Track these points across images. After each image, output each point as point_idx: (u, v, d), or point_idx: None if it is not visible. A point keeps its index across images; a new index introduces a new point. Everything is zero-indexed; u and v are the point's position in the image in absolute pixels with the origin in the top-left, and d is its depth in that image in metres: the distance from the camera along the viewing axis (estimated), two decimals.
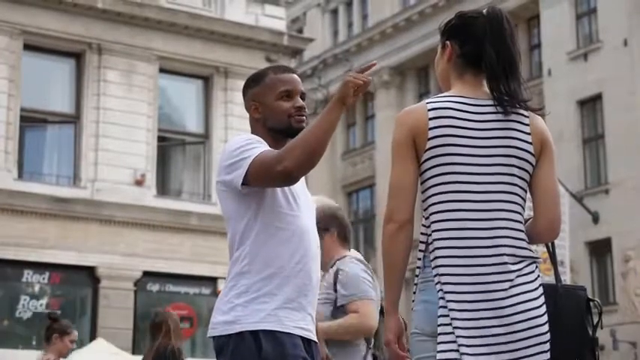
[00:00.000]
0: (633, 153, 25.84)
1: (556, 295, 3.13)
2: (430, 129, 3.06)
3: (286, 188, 3.49)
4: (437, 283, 3.04)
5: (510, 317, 2.98)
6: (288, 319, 3.39)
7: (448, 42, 3.23)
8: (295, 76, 3.67)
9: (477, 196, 3.05)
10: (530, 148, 3.11)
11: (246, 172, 3.35)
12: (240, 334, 3.36)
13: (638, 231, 25.54)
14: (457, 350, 2.96)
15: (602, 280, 27.02)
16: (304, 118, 3.59)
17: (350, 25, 38.22)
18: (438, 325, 3.02)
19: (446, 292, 3.00)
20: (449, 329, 2.98)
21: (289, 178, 3.33)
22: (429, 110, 3.08)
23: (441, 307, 3.02)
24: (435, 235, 3.07)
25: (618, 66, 26.68)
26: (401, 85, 34.86)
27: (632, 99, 26.30)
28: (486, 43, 3.12)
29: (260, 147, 3.41)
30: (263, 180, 3.36)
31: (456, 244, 3.03)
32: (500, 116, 3.10)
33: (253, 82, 3.67)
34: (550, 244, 3.31)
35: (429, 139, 3.06)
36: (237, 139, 3.48)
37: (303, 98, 3.63)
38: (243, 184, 3.38)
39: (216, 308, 3.47)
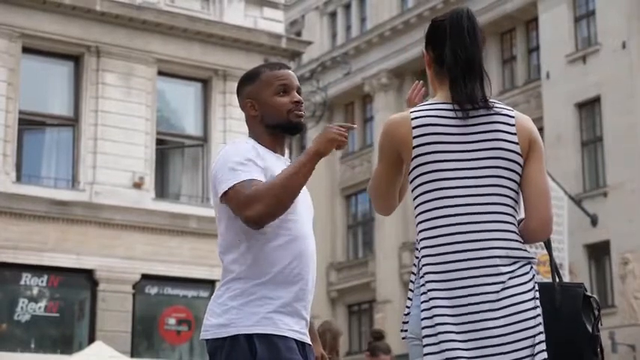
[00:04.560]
0: (632, 156, 25.85)
1: (553, 293, 3.13)
2: (414, 137, 3.08)
3: None
4: (423, 293, 3.03)
5: (501, 320, 2.97)
6: (283, 323, 3.36)
7: (424, 49, 3.26)
8: (290, 71, 3.65)
9: (462, 200, 3.04)
10: (517, 148, 3.10)
11: (222, 195, 3.39)
12: (235, 337, 3.33)
13: (637, 234, 25.54)
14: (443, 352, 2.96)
15: (601, 283, 27.02)
16: (302, 112, 3.58)
17: (348, 27, 38.24)
18: (423, 328, 3.01)
19: (432, 299, 2.99)
20: (433, 339, 2.98)
21: (254, 224, 3.34)
22: (413, 119, 3.10)
23: (424, 310, 3.01)
24: (423, 244, 3.07)
25: (617, 69, 26.69)
26: (399, 88, 34.85)
27: (631, 102, 26.31)
28: (446, 45, 3.13)
29: (245, 172, 3.39)
30: (234, 212, 3.39)
31: (443, 250, 3.03)
32: (483, 119, 3.10)
33: (248, 80, 3.64)
34: (546, 243, 3.30)
35: (414, 147, 3.08)
36: (233, 152, 3.46)
37: (299, 93, 3.61)
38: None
39: (209, 310, 3.44)
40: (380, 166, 3.22)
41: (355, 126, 3.52)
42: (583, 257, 26.88)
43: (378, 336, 8.55)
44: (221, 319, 3.37)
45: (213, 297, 3.48)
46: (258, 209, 3.29)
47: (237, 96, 3.68)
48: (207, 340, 3.42)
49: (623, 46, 26.80)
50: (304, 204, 3.56)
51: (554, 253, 3.38)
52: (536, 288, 3.06)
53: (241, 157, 3.42)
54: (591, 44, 28.06)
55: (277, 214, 3.33)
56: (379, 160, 3.22)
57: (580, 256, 26.61)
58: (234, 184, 3.35)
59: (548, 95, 28.70)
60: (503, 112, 3.14)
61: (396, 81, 34.65)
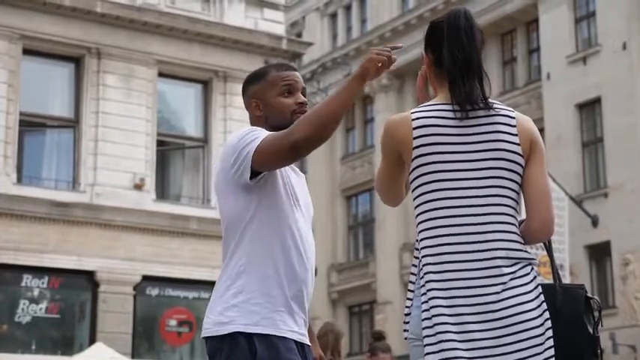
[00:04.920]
0: (632, 156, 25.85)
1: (554, 294, 3.13)
2: (415, 138, 3.09)
3: (289, 189, 3.47)
4: (423, 294, 3.04)
5: (502, 320, 2.97)
6: (283, 323, 3.37)
7: (424, 52, 3.26)
8: (296, 72, 3.65)
9: (463, 202, 3.05)
10: (518, 149, 3.10)
11: (253, 155, 3.30)
12: (235, 338, 3.33)
13: (638, 234, 25.53)
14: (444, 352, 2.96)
15: (602, 284, 27.01)
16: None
17: (349, 29, 38.24)
18: (423, 329, 3.02)
19: (432, 298, 3.00)
20: (433, 339, 2.99)
21: (298, 151, 3.27)
22: (413, 120, 3.10)
23: (424, 310, 3.02)
24: (424, 244, 3.08)
25: (617, 69, 26.69)
26: (400, 89, 34.87)
27: (631, 102, 26.31)
28: (444, 46, 3.14)
29: (265, 132, 3.39)
30: (272, 158, 3.31)
31: (444, 250, 3.03)
32: (484, 120, 3.11)
33: (254, 80, 3.64)
34: (547, 244, 3.30)
35: (414, 148, 3.09)
36: (239, 132, 3.44)
37: (304, 94, 3.60)
38: (252, 172, 3.33)
39: (210, 308, 3.43)
40: (383, 163, 3.23)
41: (401, 45, 3.41)
42: (584, 258, 26.87)
43: (379, 337, 8.57)
44: (222, 317, 3.36)
45: (214, 293, 3.46)
46: (303, 132, 3.22)
47: (243, 95, 3.68)
48: (207, 338, 3.41)
49: (624, 47, 26.79)
50: (305, 204, 3.56)
51: (555, 254, 3.37)
52: (540, 289, 3.06)
53: (251, 129, 3.43)
54: (592, 45, 28.06)
55: (323, 136, 3.26)
56: (382, 158, 3.23)
57: (581, 256, 26.60)
58: (264, 138, 3.33)
59: (549, 96, 28.69)
60: (504, 113, 3.14)
61: (396, 82, 34.65)
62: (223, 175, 3.44)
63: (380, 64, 3.27)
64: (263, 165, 3.33)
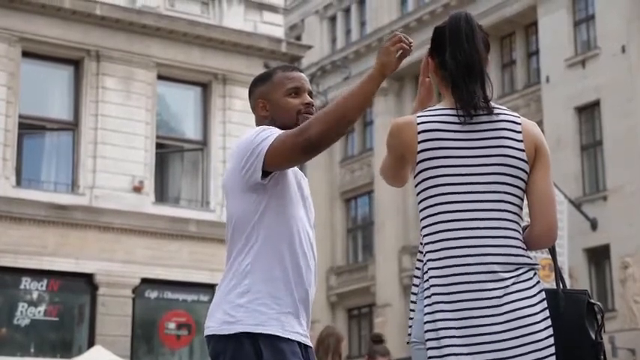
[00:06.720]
0: (631, 159, 25.86)
1: (557, 299, 3.13)
2: (419, 142, 3.09)
3: (298, 190, 3.47)
4: (427, 297, 3.05)
5: (505, 324, 2.98)
6: (289, 325, 3.37)
7: (429, 56, 3.26)
8: (303, 74, 3.65)
9: (465, 206, 3.06)
10: (523, 155, 3.11)
11: (266, 154, 3.28)
12: (239, 341, 3.32)
13: (637, 237, 25.54)
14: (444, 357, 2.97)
15: (601, 287, 27.01)
16: (312, 115, 3.54)
17: (348, 32, 38.27)
18: (426, 332, 3.02)
19: (435, 303, 3.01)
20: (435, 343, 2.99)
21: (311, 147, 3.25)
22: (419, 124, 3.11)
23: (427, 314, 3.03)
24: (427, 248, 3.09)
25: (616, 72, 26.71)
26: (399, 92, 34.88)
27: (630, 105, 26.32)
28: (446, 51, 3.14)
29: (278, 131, 3.37)
30: (284, 156, 3.29)
31: (444, 255, 3.04)
32: (489, 125, 3.11)
33: (261, 81, 3.64)
34: (551, 249, 3.30)
35: (419, 152, 3.10)
36: (251, 132, 3.43)
37: (310, 96, 3.60)
38: (264, 171, 3.31)
39: (214, 306, 3.42)
40: (388, 158, 3.26)
41: (411, 41, 3.24)
42: (583, 261, 26.88)
43: (378, 340, 8.59)
44: (227, 316, 3.36)
45: (219, 294, 3.44)
46: (317, 128, 3.20)
47: (249, 97, 3.68)
48: (210, 338, 3.40)
49: (623, 50, 26.82)
50: (309, 205, 3.57)
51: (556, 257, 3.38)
52: (543, 295, 3.06)
53: (263, 128, 3.42)
54: (591, 48, 28.09)
55: (337, 134, 3.24)
56: (387, 152, 3.25)
57: (580, 260, 26.60)
58: (276, 136, 3.31)
59: (548, 99, 28.71)
60: (509, 119, 3.14)
61: (395, 85, 34.67)
62: (233, 175, 3.43)
63: (399, 54, 3.19)
64: (274, 164, 3.31)
